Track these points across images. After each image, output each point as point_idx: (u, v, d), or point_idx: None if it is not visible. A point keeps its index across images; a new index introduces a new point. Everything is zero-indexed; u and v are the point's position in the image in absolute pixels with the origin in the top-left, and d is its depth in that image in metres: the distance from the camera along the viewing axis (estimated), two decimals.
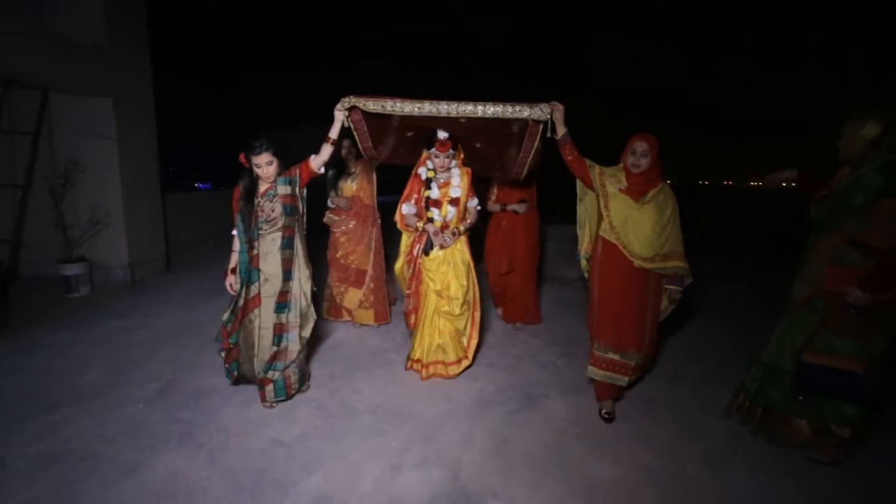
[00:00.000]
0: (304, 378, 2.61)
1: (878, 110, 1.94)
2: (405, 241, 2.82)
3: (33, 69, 3.96)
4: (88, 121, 4.55)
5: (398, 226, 2.80)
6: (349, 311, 3.61)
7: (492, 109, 2.19)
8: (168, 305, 4.16)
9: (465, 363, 2.83)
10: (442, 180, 2.67)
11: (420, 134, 2.60)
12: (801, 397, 2.08)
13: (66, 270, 4.33)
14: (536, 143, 2.36)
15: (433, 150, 2.54)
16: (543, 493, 1.86)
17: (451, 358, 2.79)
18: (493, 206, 3.54)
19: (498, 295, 3.75)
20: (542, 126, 2.24)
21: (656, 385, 2.76)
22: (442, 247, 2.67)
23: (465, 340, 2.83)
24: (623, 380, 2.34)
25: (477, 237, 3.14)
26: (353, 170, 3.52)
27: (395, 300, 4.10)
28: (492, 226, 3.65)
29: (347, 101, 2.30)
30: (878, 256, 1.86)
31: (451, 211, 2.66)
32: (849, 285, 1.89)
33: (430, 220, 2.67)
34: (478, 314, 2.84)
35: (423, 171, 2.70)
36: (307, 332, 2.46)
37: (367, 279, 3.56)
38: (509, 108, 2.18)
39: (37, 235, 4.53)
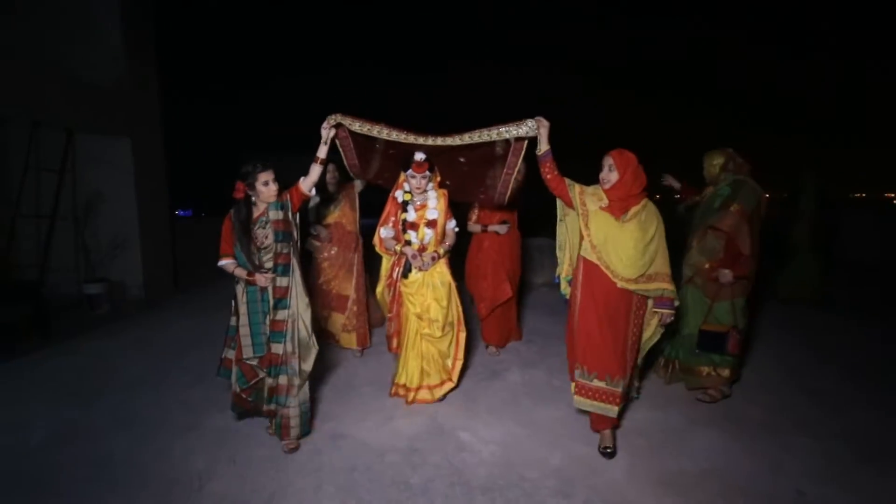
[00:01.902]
0: (307, 421, 2.41)
1: (721, 147, 2.87)
2: (385, 264, 2.84)
3: (58, 113, 4.57)
4: (109, 156, 5.16)
5: (377, 249, 2.84)
6: (333, 335, 3.69)
7: (478, 136, 2.22)
8: (183, 316, 4.74)
9: (449, 385, 2.83)
10: (419, 203, 2.68)
11: (401, 152, 2.60)
12: (697, 351, 2.89)
13: (91, 290, 4.88)
14: (520, 160, 2.39)
15: (409, 171, 2.56)
16: (500, 428, 2.57)
17: (435, 381, 2.79)
18: (474, 227, 3.52)
19: (482, 319, 3.67)
20: (526, 143, 2.25)
21: None
22: (420, 269, 2.68)
23: (449, 363, 2.83)
24: (613, 410, 2.25)
25: (458, 256, 3.18)
26: (335, 196, 3.58)
27: (383, 321, 4.21)
28: (473, 247, 3.62)
29: (334, 119, 2.31)
30: (726, 241, 2.73)
31: (428, 233, 2.67)
32: (720, 269, 2.76)
33: (408, 243, 2.69)
34: (462, 335, 2.83)
35: (399, 194, 2.71)
36: (308, 365, 2.32)
37: (350, 303, 3.64)
38: (494, 132, 2.20)
39: (61, 259, 5.09)
